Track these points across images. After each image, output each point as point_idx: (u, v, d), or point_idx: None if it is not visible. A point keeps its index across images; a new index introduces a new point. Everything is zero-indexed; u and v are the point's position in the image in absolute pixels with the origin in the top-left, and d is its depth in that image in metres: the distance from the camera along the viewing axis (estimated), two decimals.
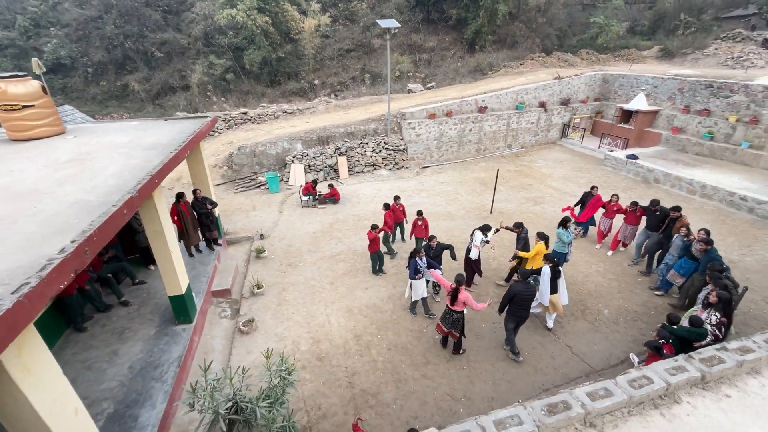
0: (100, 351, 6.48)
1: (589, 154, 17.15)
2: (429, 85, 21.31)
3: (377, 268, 9.20)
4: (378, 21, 14.45)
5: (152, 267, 8.74)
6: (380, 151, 15.62)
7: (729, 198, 11.77)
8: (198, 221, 9.08)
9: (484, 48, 26.30)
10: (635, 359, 6.10)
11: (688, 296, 7.65)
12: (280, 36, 26.32)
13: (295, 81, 27.18)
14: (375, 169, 15.67)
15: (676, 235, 7.93)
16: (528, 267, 7.65)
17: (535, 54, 24.80)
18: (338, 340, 7.39)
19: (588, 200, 9.81)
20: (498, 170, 12.18)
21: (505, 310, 6.56)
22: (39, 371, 3.34)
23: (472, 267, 8.25)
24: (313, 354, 7.07)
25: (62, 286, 3.23)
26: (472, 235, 8.17)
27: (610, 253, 9.85)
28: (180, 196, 8.61)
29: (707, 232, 7.47)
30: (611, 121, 18.25)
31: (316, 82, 27.14)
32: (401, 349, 7.17)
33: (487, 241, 8.02)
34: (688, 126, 15.75)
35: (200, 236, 9.36)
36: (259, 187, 14.13)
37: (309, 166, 14.78)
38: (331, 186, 12.94)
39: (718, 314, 5.73)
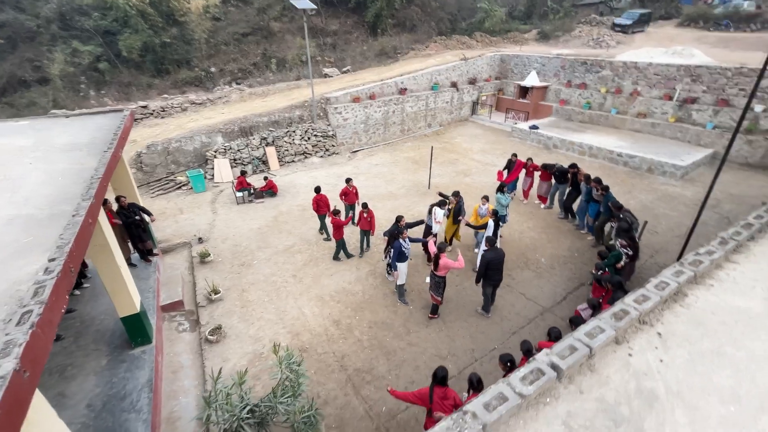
0: None
1: (498, 128, 19.09)
2: (345, 69, 21.14)
3: (339, 253, 9.18)
4: (292, 2, 13.76)
5: (77, 291, 7.44)
6: (309, 138, 15.18)
7: (609, 156, 14.39)
8: (128, 232, 7.94)
9: (385, 31, 26.86)
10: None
11: (597, 232, 9.49)
12: (161, 18, 23.19)
13: (188, 69, 24.32)
14: (306, 157, 15.20)
15: (582, 182, 9.77)
16: (475, 223, 8.77)
17: (433, 37, 26.25)
18: (318, 329, 7.32)
19: (513, 166, 11.20)
20: (432, 147, 12.90)
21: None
22: (35, 418, 2.81)
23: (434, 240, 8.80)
24: (296, 347, 6.89)
25: (63, 311, 2.73)
26: (430, 212, 8.70)
27: (536, 202, 11.67)
28: (103, 203, 7.37)
29: (599, 180, 9.22)
30: (512, 97, 20.51)
31: (213, 69, 24.71)
32: (382, 325, 7.42)
33: (447, 209, 8.68)
34: (571, 98, 18.56)
35: (131, 248, 8.22)
36: (180, 187, 12.65)
37: (234, 159, 13.69)
38: (266, 178, 12.25)
39: (621, 240, 7.29)
